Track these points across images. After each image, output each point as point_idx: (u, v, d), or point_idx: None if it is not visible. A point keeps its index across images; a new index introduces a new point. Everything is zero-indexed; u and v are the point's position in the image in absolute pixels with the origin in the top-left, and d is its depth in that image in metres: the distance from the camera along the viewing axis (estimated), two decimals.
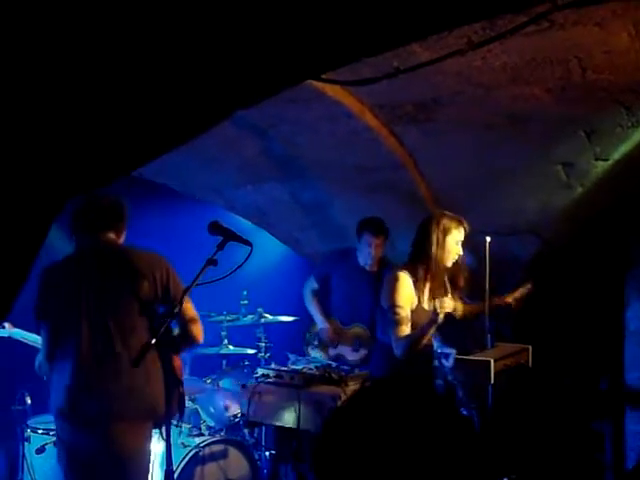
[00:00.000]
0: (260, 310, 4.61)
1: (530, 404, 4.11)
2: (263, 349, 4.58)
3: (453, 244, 3.47)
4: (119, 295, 2.89)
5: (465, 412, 3.63)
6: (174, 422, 3.02)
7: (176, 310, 2.76)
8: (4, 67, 1.33)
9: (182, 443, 3.80)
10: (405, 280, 3.44)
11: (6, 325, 3.65)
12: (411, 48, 2.68)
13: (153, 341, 2.65)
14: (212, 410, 4.14)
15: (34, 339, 3.50)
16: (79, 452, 2.85)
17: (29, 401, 3.55)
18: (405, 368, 3.39)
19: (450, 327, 3.51)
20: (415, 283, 3.46)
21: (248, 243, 2.84)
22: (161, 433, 2.94)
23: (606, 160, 3.66)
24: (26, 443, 3.55)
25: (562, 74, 2.94)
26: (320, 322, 4.60)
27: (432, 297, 3.50)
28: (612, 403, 4.37)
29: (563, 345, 4.36)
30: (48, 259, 2.88)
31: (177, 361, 3.00)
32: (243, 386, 3.64)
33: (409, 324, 3.39)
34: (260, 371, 3.67)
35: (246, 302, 4.64)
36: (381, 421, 1.08)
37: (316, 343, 4.63)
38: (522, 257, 4.53)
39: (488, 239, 3.54)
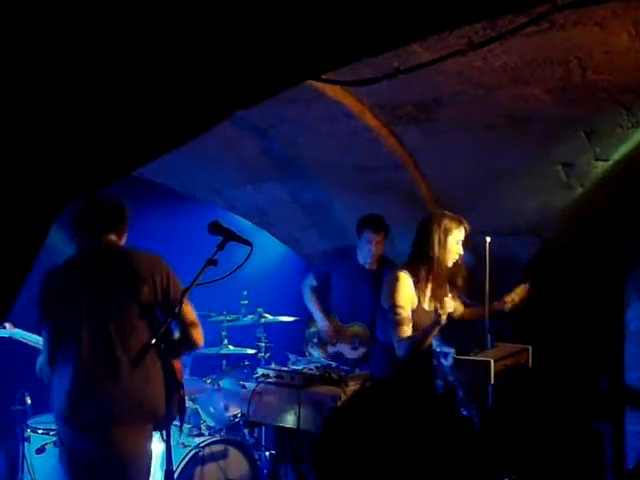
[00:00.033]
0: (260, 310, 4.61)
1: (530, 404, 4.11)
2: (263, 349, 4.57)
3: (454, 244, 3.47)
4: (120, 298, 2.88)
5: (465, 412, 3.63)
6: (175, 423, 3.02)
7: (177, 310, 2.77)
8: (4, 68, 1.33)
9: (182, 443, 3.80)
10: (405, 280, 3.43)
11: (7, 325, 3.65)
12: (411, 48, 2.67)
13: (153, 341, 2.66)
14: (212, 410, 4.14)
15: (35, 339, 3.50)
16: (80, 455, 2.85)
17: (29, 401, 3.55)
18: (405, 368, 3.39)
19: (450, 327, 3.51)
20: (416, 283, 3.46)
21: (248, 243, 2.84)
22: (161, 435, 2.94)
23: (606, 160, 3.66)
24: (26, 443, 3.55)
25: (562, 74, 2.94)
26: (320, 319, 4.60)
27: (433, 297, 3.50)
28: (612, 403, 4.37)
29: (563, 345, 4.36)
30: (48, 259, 2.86)
31: (177, 364, 3.00)
32: (243, 386, 3.64)
33: (410, 324, 3.39)
34: (260, 371, 3.66)
35: (246, 302, 4.63)
36: (381, 421, 1.08)
37: (315, 341, 4.63)
38: (522, 257, 4.53)
39: (488, 239, 3.53)
